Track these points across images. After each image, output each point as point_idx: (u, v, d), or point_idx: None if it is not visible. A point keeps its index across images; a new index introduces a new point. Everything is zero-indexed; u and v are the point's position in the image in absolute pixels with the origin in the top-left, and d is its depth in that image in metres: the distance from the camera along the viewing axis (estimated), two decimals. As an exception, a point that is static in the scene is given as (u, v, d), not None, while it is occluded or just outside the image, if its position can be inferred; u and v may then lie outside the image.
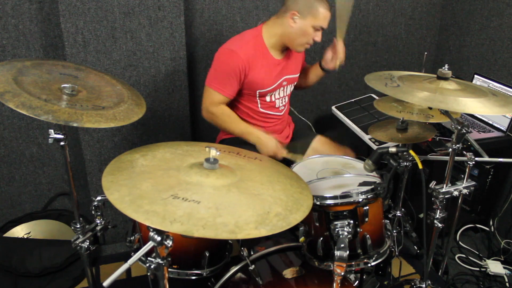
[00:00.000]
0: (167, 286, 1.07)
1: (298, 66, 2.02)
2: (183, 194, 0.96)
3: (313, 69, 2.08)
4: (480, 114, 2.38)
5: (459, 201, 1.56)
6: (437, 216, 1.48)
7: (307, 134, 2.13)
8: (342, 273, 1.23)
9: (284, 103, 2.01)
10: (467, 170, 1.47)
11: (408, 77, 1.46)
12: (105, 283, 0.91)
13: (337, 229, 1.30)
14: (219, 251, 1.43)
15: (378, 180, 1.43)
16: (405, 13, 2.73)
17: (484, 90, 1.38)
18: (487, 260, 2.21)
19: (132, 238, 1.42)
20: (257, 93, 1.88)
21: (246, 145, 1.92)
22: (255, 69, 1.80)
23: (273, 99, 1.95)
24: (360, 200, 1.33)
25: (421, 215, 1.94)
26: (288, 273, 1.44)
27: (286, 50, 1.92)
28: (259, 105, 1.93)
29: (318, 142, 2.02)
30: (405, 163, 1.57)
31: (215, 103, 1.83)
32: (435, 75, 1.40)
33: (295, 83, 2.04)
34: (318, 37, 1.80)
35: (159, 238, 0.97)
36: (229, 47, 1.78)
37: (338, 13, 1.81)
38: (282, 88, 1.95)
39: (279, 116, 2.02)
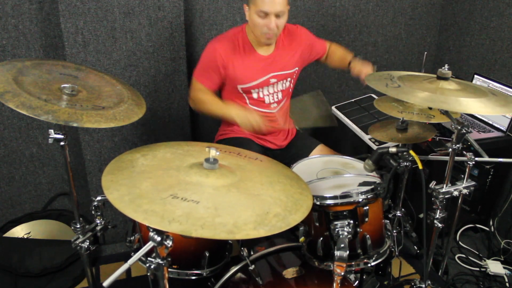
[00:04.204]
0: (167, 286, 1.07)
1: (291, 62, 1.95)
2: (183, 194, 0.96)
3: (341, 62, 2.06)
4: (480, 114, 2.37)
5: (459, 201, 1.56)
6: (437, 216, 1.48)
7: (309, 141, 2.09)
8: (342, 273, 1.23)
9: (275, 100, 1.97)
10: (467, 170, 1.47)
11: (408, 77, 1.45)
12: (105, 283, 0.91)
13: (337, 229, 1.30)
14: (219, 251, 1.43)
15: (378, 180, 1.43)
16: (405, 13, 2.73)
17: (483, 90, 1.38)
18: (487, 260, 2.21)
19: (132, 238, 1.42)
20: (239, 89, 1.89)
21: (246, 146, 1.92)
22: (234, 64, 1.83)
23: (261, 96, 1.93)
24: (360, 200, 1.33)
25: (421, 215, 1.94)
26: (288, 273, 1.44)
27: (275, 45, 1.91)
28: (247, 101, 1.93)
29: (320, 151, 2.02)
30: (405, 163, 1.57)
31: (197, 91, 1.89)
32: (435, 75, 1.40)
33: (290, 78, 1.98)
34: (270, 23, 1.69)
35: (159, 238, 0.96)
36: (212, 43, 1.86)
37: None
38: (271, 86, 1.93)
39: (271, 113, 1.98)
